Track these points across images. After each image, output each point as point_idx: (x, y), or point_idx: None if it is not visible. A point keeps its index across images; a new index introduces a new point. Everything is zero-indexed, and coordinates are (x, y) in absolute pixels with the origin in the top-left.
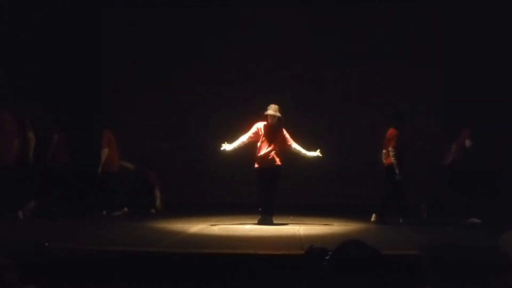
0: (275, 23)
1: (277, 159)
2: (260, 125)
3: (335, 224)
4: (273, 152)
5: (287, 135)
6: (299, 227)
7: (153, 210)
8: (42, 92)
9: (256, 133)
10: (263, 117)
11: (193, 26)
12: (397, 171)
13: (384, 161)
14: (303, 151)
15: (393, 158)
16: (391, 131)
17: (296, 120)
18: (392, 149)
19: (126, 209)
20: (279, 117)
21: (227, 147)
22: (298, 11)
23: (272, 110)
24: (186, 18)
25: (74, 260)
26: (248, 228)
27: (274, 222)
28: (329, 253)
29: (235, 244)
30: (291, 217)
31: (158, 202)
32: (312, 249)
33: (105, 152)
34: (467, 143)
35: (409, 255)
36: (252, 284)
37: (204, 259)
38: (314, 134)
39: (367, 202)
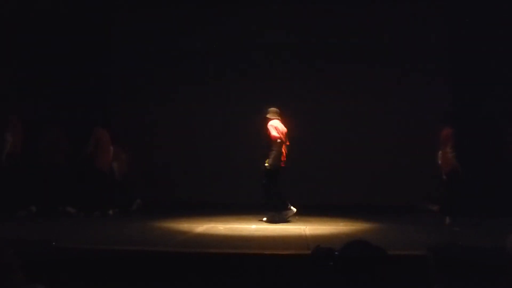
0: (280, 23)
1: None
2: (278, 125)
3: (341, 224)
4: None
5: None
6: (305, 227)
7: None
8: (46, 92)
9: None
10: (270, 116)
11: (198, 26)
12: (459, 169)
13: (439, 161)
14: None
15: (454, 158)
16: (447, 131)
17: (301, 121)
18: (451, 149)
19: (110, 211)
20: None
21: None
22: (303, 12)
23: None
24: (191, 18)
25: (81, 259)
26: (254, 228)
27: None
28: (336, 253)
29: (241, 244)
30: (296, 217)
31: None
32: (319, 249)
33: (88, 148)
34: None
35: (415, 255)
36: (258, 284)
37: (210, 259)
38: (319, 134)
39: (372, 202)
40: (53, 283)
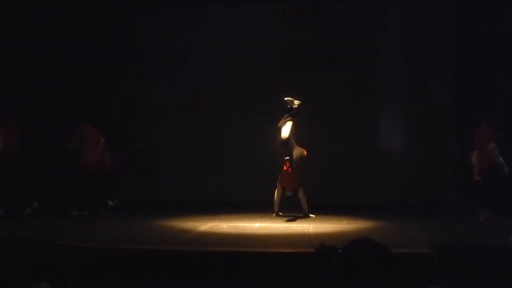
0: (280, 22)
1: None
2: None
3: (345, 222)
4: None
5: None
6: (308, 225)
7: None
8: (45, 91)
9: None
10: None
11: (203, 25)
12: (505, 166)
13: (474, 161)
14: None
15: (496, 156)
16: (484, 128)
17: (303, 120)
18: (493, 146)
19: (85, 212)
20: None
21: None
22: (304, 11)
23: None
24: (196, 17)
25: (85, 258)
26: (257, 226)
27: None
28: (339, 251)
29: (245, 242)
30: (300, 215)
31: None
32: (322, 247)
33: (69, 144)
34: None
35: (419, 253)
36: (261, 282)
37: (214, 257)
38: (321, 133)
39: (376, 201)
40: (58, 282)
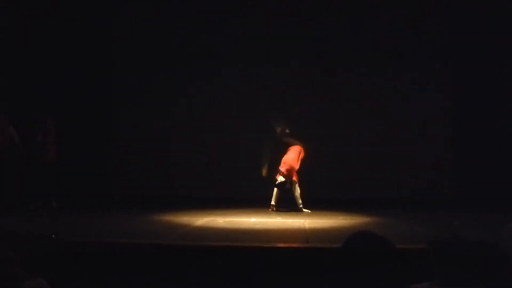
0: (284, 25)
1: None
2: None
3: (341, 218)
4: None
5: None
6: (304, 220)
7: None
8: (43, 91)
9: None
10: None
11: (201, 25)
12: None
13: None
14: None
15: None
16: None
17: (300, 118)
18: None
19: (54, 204)
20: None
21: None
22: (303, 17)
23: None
24: (194, 17)
25: (81, 253)
26: (253, 221)
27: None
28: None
29: (241, 237)
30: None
31: None
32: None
33: (41, 140)
34: None
35: (416, 249)
36: (257, 277)
37: (210, 252)
38: (318, 129)
39: (372, 196)
40: (53, 277)
